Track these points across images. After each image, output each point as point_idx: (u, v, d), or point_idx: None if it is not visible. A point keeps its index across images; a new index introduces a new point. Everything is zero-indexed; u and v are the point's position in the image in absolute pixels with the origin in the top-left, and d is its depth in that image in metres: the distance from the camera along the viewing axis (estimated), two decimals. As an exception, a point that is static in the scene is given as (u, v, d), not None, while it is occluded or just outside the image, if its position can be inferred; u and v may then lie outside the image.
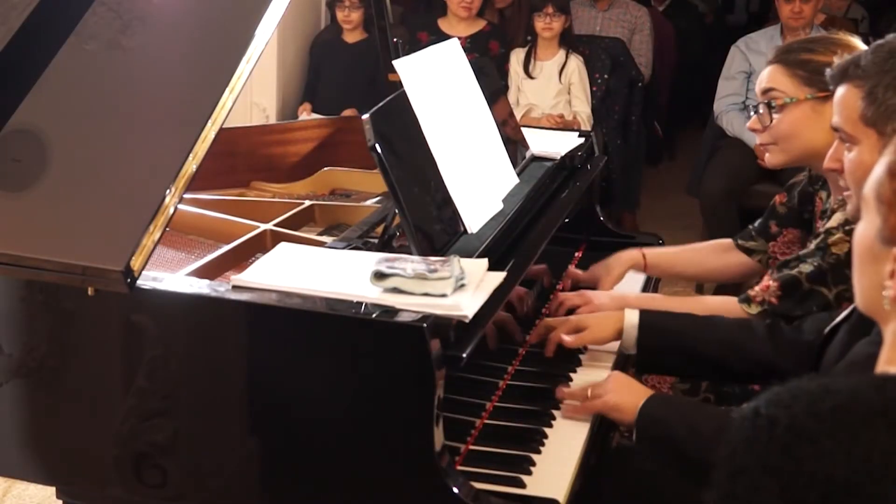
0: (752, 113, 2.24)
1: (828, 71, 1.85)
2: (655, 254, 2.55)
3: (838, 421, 1.05)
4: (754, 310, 2.13)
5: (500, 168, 2.26)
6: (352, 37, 5.03)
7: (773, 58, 2.22)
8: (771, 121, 2.18)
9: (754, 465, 1.06)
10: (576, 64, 4.94)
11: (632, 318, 2.07)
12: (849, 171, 1.76)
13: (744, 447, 1.07)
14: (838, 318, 1.80)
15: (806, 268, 2.09)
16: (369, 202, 2.56)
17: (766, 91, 2.20)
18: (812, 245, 2.13)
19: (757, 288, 2.16)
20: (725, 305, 2.20)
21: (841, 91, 1.79)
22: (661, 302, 2.31)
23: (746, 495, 1.06)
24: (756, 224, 2.50)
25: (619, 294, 2.40)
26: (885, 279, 1.16)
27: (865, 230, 1.21)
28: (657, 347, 2.06)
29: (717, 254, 2.55)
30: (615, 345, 2.15)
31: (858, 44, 2.16)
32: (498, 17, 5.50)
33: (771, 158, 2.24)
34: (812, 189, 2.35)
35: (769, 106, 2.18)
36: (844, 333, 1.74)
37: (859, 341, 1.63)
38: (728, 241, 2.55)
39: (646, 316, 2.07)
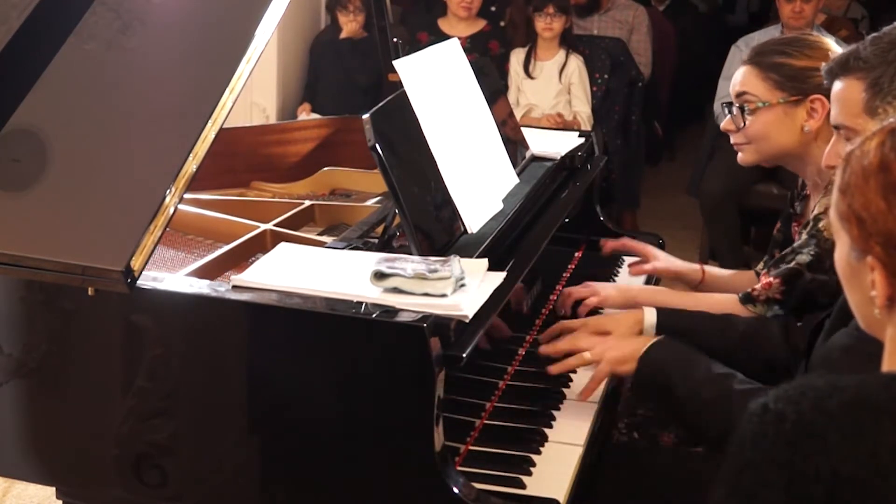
0: (726, 113, 2.26)
1: (824, 66, 1.84)
2: (711, 272, 2.56)
3: (846, 417, 1.06)
4: (760, 309, 2.14)
5: (500, 168, 2.26)
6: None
7: (747, 58, 2.24)
8: (744, 123, 2.20)
9: (761, 459, 1.07)
10: (576, 64, 4.94)
11: (650, 317, 2.10)
12: None
13: (751, 442, 1.08)
14: (824, 314, 1.81)
15: (804, 258, 2.10)
16: (369, 202, 2.56)
17: (739, 94, 2.22)
18: (804, 235, 2.14)
19: (758, 287, 2.16)
20: (728, 300, 2.21)
21: (840, 85, 1.78)
22: (665, 295, 2.32)
23: (753, 490, 1.07)
24: (767, 255, 2.48)
25: (625, 285, 2.43)
26: (869, 291, 1.19)
27: (840, 252, 1.25)
28: None
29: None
30: None
31: (832, 45, 2.19)
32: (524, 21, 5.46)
33: (744, 157, 2.28)
34: (792, 209, 2.37)
35: (742, 109, 2.20)
36: (827, 327, 1.76)
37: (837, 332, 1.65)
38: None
39: (663, 316, 2.10)
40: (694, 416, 1.80)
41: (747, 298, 2.17)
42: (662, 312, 2.11)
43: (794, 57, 2.16)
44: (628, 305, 2.35)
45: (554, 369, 1.98)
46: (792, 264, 2.11)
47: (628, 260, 2.73)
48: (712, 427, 1.76)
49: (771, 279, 2.14)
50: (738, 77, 2.24)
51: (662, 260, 2.55)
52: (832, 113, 1.82)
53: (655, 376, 1.86)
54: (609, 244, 2.62)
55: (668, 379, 1.83)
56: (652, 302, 2.27)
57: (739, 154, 2.28)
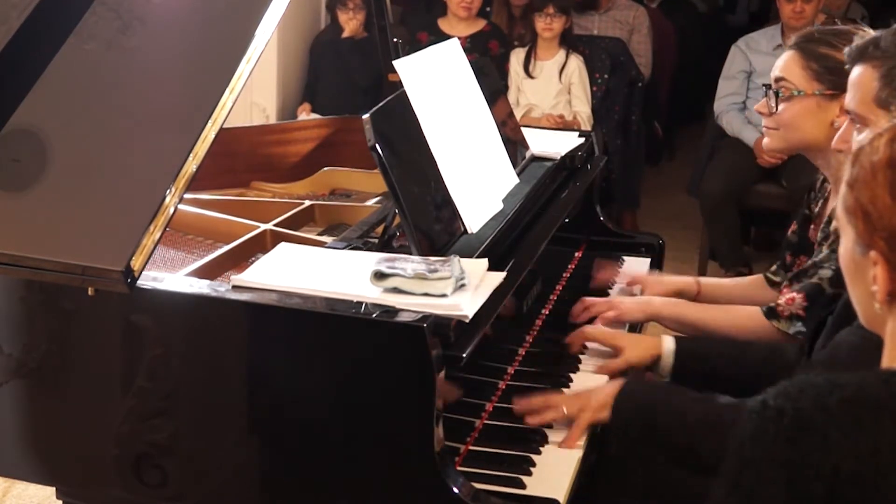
0: (765, 94, 2.24)
1: (846, 50, 1.83)
2: (708, 283, 2.54)
3: (845, 414, 1.06)
4: (783, 325, 2.12)
5: (500, 168, 2.26)
6: (351, 37, 5.03)
7: (793, 42, 2.21)
8: (777, 108, 2.18)
9: (762, 457, 1.07)
10: (576, 64, 4.94)
11: (669, 345, 2.08)
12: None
13: (751, 439, 1.09)
14: (826, 312, 1.81)
15: (825, 273, 2.08)
16: (369, 202, 2.56)
17: (778, 79, 2.20)
18: (825, 249, 2.11)
19: (782, 301, 2.14)
20: (750, 315, 2.19)
21: (857, 71, 1.77)
22: (685, 308, 2.29)
23: (754, 487, 1.07)
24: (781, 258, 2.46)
25: (645, 299, 2.38)
26: (871, 286, 1.20)
27: (845, 246, 1.26)
28: (691, 375, 2.05)
29: (762, 289, 2.45)
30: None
31: None
32: (507, 19, 5.49)
33: (769, 143, 2.26)
34: (808, 210, 2.35)
35: (777, 94, 2.18)
36: (830, 324, 1.75)
37: (842, 330, 1.64)
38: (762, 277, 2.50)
39: (682, 344, 2.08)
40: (684, 440, 1.76)
41: (771, 313, 2.14)
42: (682, 341, 2.09)
43: (838, 50, 2.09)
44: (649, 320, 2.34)
45: (532, 421, 1.88)
46: (814, 279, 2.09)
47: (628, 260, 2.73)
48: (705, 446, 1.72)
49: (794, 294, 2.12)
50: (781, 61, 2.21)
51: (650, 292, 2.44)
52: (846, 97, 1.80)
53: (636, 410, 1.82)
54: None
55: (650, 409, 1.80)
56: (674, 316, 2.26)
57: (765, 139, 2.27)
